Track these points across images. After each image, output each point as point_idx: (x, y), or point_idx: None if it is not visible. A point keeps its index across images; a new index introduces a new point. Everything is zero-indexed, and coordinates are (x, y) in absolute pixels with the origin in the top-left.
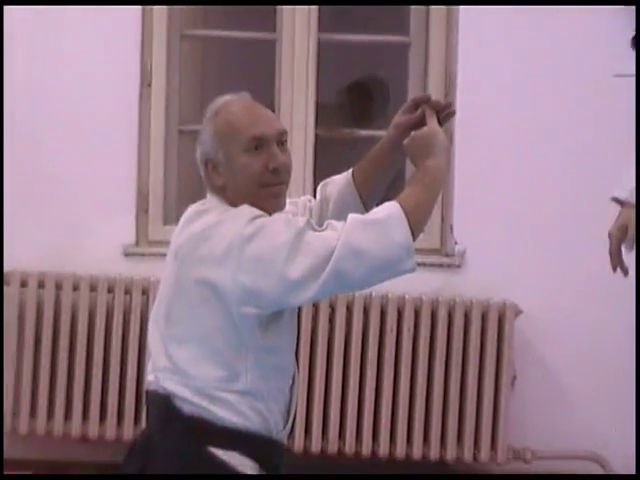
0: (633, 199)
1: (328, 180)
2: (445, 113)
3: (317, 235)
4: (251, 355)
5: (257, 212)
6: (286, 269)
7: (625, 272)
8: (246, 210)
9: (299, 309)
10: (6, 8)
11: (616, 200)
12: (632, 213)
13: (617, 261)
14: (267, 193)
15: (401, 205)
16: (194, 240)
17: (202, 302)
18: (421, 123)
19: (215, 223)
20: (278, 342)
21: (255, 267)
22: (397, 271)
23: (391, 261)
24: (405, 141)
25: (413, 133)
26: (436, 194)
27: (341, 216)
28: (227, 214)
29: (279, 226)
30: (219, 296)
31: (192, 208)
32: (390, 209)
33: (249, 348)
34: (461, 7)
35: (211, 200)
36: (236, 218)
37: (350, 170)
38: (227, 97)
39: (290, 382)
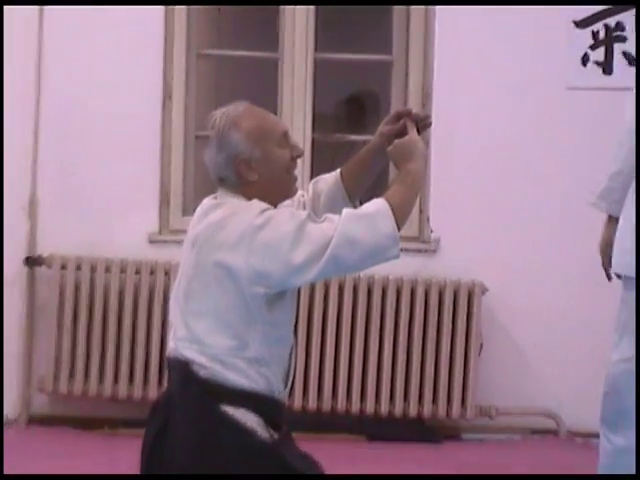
0: (603, 204)
1: (318, 178)
2: (423, 124)
3: (316, 226)
4: (259, 327)
5: (266, 206)
6: (290, 255)
7: (619, 276)
8: (256, 204)
9: (299, 289)
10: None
11: (590, 204)
12: (610, 226)
13: (609, 272)
14: (291, 179)
15: (388, 201)
16: (212, 229)
17: (217, 282)
18: (403, 132)
19: (230, 214)
20: (281, 317)
21: (264, 253)
22: (385, 257)
23: (380, 249)
24: (389, 148)
25: (396, 141)
26: (416, 193)
27: (331, 209)
28: (240, 207)
29: (284, 218)
30: (233, 277)
31: (206, 202)
32: (378, 205)
33: (257, 322)
34: (437, 29)
35: (224, 195)
36: (248, 210)
37: (338, 170)
38: (234, 107)
39: (289, 350)
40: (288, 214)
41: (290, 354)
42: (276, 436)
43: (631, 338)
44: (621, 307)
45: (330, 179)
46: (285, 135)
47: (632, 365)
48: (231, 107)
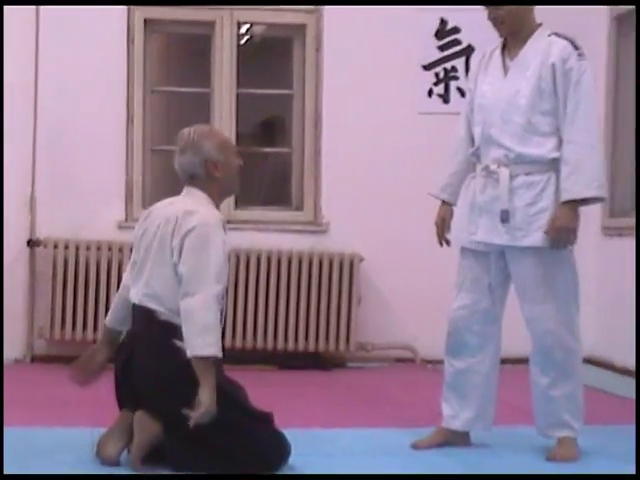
0: (443, 195)
1: None
2: None
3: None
4: None
5: (214, 227)
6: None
7: (448, 243)
8: (213, 220)
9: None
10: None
11: (431, 195)
12: (444, 208)
13: (441, 239)
14: (238, 180)
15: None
16: (178, 217)
17: (173, 265)
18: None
19: (192, 212)
20: None
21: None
22: None
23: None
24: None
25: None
26: None
27: None
28: (199, 211)
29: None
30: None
31: (178, 206)
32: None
33: None
34: (325, 68)
35: (193, 193)
36: (204, 222)
37: None
38: (201, 126)
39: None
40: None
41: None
42: None
43: (464, 292)
44: (458, 270)
45: None
46: (236, 150)
47: (465, 311)
48: (197, 126)
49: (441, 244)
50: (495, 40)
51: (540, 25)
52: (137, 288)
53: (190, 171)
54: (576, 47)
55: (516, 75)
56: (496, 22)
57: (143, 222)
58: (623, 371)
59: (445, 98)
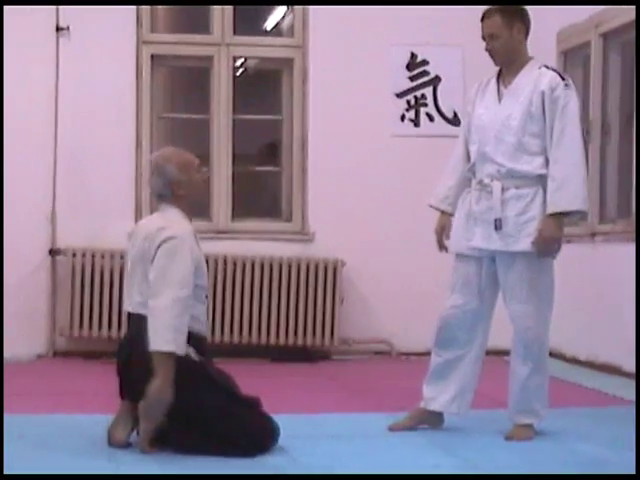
0: (443, 205)
1: None
2: None
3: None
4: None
5: (182, 239)
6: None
7: (446, 250)
8: (182, 235)
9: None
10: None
11: (432, 206)
12: (444, 218)
13: (441, 246)
14: (204, 191)
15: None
16: (153, 233)
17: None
18: None
19: (163, 227)
20: (202, 289)
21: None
22: None
23: None
24: None
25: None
26: None
27: None
28: (168, 227)
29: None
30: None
31: (153, 223)
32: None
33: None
34: (311, 96)
35: (167, 209)
36: (173, 236)
37: None
38: (164, 150)
39: (206, 306)
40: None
41: (207, 308)
42: (201, 359)
43: (457, 294)
44: (452, 273)
45: None
46: (198, 165)
47: (457, 310)
48: (162, 150)
49: (440, 250)
50: (458, 72)
51: (532, 58)
52: (130, 298)
53: (158, 192)
54: (563, 78)
55: (509, 101)
56: (492, 53)
57: (130, 238)
58: (604, 368)
59: (416, 122)
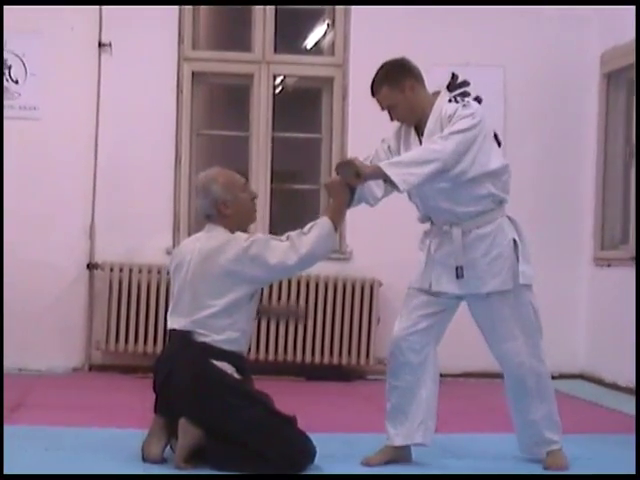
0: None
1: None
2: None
3: (278, 244)
4: (244, 310)
5: (246, 235)
6: (270, 263)
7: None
8: (240, 234)
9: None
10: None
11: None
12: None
13: None
14: (252, 211)
15: (333, 222)
16: (214, 252)
17: (223, 284)
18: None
19: (226, 242)
20: (255, 303)
21: (253, 264)
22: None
23: (324, 256)
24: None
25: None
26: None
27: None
28: (230, 237)
29: (261, 241)
30: (234, 281)
31: (201, 241)
32: (328, 227)
33: (244, 306)
34: (350, 114)
35: (213, 228)
36: (237, 238)
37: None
38: (210, 170)
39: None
40: (263, 239)
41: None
42: (242, 377)
43: (404, 317)
44: (404, 302)
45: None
46: (245, 184)
47: (405, 332)
48: (208, 171)
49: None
50: (499, 92)
51: (436, 93)
52: (175, 316)
53: (204, 212)
54: (460, 101)
55: None
56: (398, 120)
57: (174, 258)
58: (613, 386)
59: None
